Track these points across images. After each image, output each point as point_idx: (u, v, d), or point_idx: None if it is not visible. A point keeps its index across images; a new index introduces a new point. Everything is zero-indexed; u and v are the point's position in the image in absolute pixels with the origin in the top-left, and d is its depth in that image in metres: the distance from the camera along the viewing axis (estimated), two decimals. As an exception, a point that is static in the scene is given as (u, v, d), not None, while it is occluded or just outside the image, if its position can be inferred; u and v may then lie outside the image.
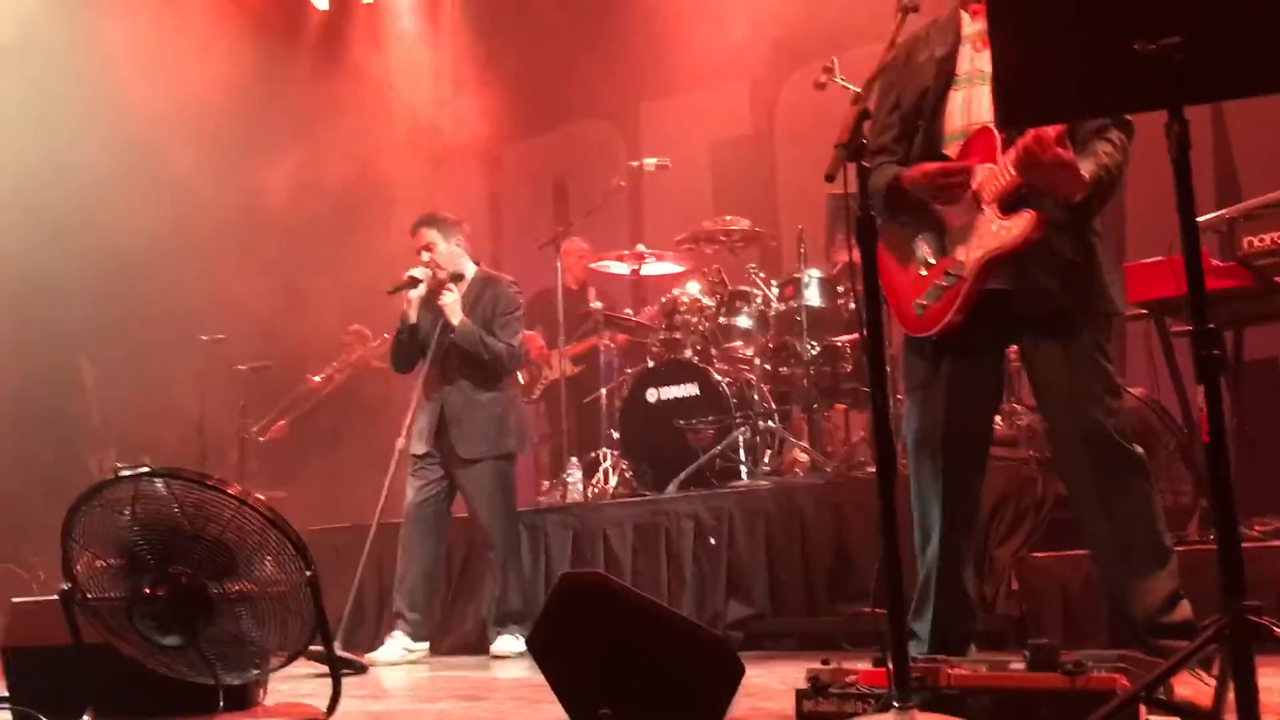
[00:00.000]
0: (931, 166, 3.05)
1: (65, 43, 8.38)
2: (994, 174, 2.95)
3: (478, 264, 5.47)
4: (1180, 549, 3.16)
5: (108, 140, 8.34)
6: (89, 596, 2.99)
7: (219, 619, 2.96)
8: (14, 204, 8.15)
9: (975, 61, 3.06)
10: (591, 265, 7.27)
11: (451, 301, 5.17)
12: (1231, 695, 1.93)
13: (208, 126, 8.75)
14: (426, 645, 5.21)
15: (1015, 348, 3.44)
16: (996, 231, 2.96)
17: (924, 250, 3.13)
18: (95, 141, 8.30)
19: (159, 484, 2.91)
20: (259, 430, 8.39)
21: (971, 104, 3.07)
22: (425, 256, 5.29)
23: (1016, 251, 2.93)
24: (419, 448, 5.23)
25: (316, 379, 8.69)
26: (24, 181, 8.34)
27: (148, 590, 2.90)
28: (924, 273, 3.12)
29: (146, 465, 3.01)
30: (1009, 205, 2.94)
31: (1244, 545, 3.34)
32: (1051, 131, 2.77)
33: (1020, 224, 2.92)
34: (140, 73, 8.52)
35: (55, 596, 3.01)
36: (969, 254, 3.01)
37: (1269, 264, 4.00)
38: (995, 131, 2.95)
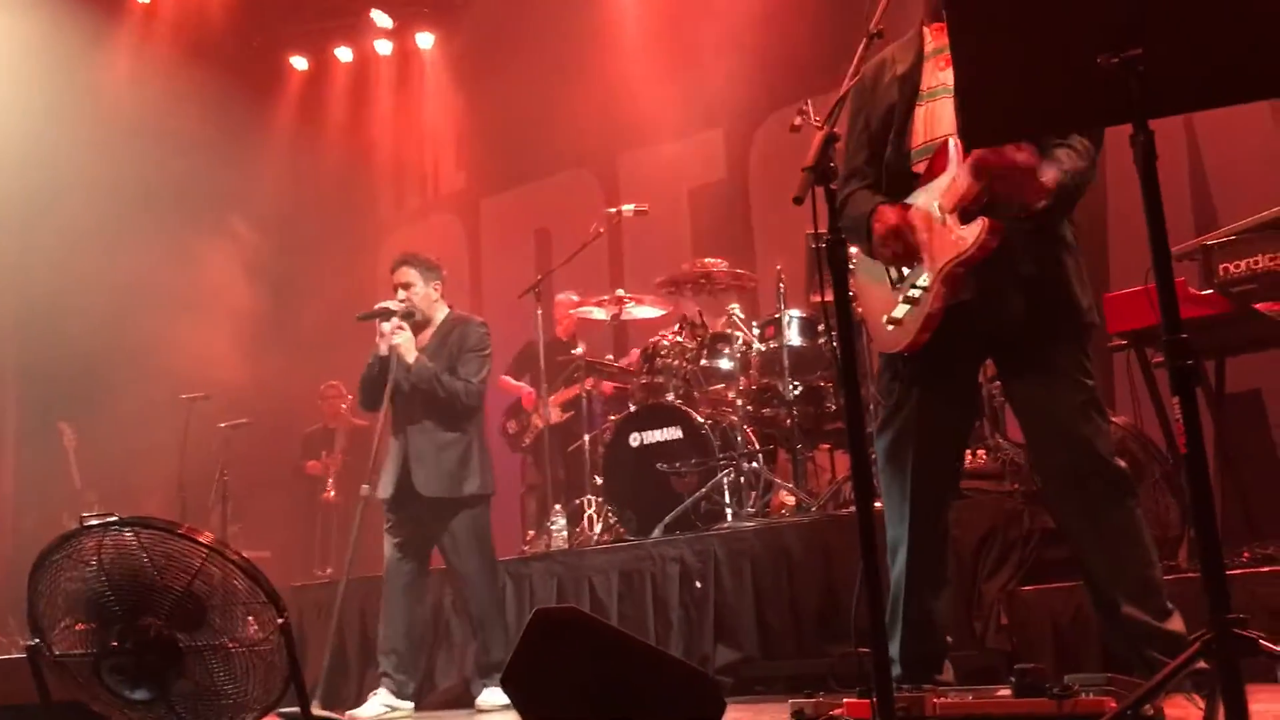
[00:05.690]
0: (892, 223, 2.98)
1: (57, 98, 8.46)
2: (953, 182, 2.89)
3: (451, 308, 5.44)
4: (1169, 578, 3.11)
5: (87, 201, 8.37)
6: (55, 652, 2.91)
7: (189, 671, 2.87)
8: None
9: (939, 76, 3.05)
10: (571, 311, 7.26)
11: (404, 341, 5.11)
12: (1222, 716, 1.88)
13: (189, 184, 8.80)
14: (411, 705, 5.09)
15: (999, 385, 3.37)
16: (955, 241, 2.88)
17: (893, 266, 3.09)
18: (74, 203, 8.33)
19: (128, 534, 2.85)
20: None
21: (932, 118, 3.04)
22: (400, 295, 5.26)
23: (973, 260, 2.85)
24: (386, 490, 5.15)
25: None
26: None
27: (115, 643, 2.83)
28: (893, 289, 3.08)
29: (114, 516, 2.94)
30: (968, 215, 2.86)
31: (1233, 572, 3.30)
32: None
33: (973, 231, 2.83)
34: (120, 130, 8.58)
35: (22, 654, 2.94)
36: (933, 266, 2.94)
37: (1245, 290, 3.98)
38: (956, 141, 2.89)
